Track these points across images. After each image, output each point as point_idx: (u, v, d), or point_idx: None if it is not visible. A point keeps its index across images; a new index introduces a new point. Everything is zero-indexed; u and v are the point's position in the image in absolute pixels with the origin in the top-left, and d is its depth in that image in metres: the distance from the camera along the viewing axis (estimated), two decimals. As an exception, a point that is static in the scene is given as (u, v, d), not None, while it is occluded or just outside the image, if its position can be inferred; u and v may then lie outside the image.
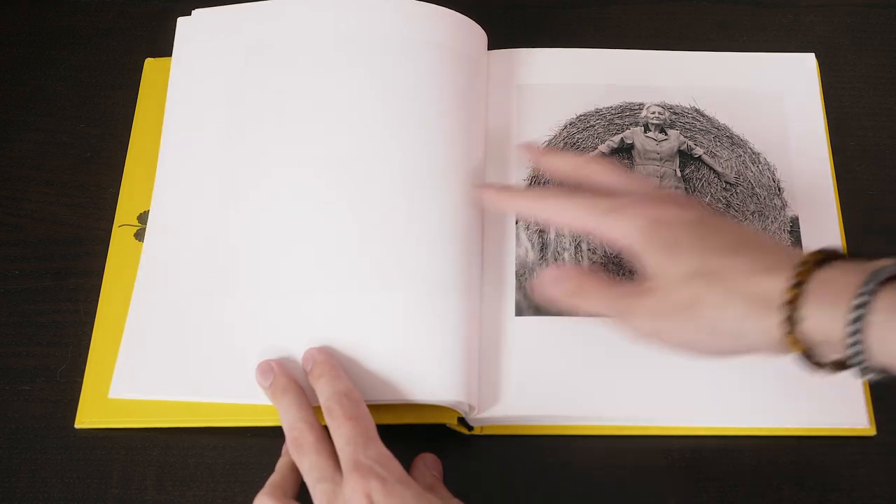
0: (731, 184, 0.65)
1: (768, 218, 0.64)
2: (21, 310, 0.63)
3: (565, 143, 0.67)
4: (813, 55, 0.69)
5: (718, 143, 0.67)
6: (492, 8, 0.73)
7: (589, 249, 0.63)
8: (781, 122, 0.67)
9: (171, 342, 0.59)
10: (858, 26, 0.73)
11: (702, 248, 0.49)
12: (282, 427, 0.54)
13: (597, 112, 0.68)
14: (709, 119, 0.67)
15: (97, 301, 0.62)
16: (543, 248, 0.63)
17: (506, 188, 0.63)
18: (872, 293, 0.43)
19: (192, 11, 0.69)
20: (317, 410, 0.55)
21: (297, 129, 0.63)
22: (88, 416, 0.59)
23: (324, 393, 0.54)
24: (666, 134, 0.67)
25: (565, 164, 0.58)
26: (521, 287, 0.61)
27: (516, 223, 0.64)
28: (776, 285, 0.46)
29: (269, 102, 0.64)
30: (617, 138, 0.67)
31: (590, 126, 0.67)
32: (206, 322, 0.59)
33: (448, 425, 0.58)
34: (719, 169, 0.66)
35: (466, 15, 0.67)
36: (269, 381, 0.56)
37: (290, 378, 0.56)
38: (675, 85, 0.69)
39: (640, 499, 0.57)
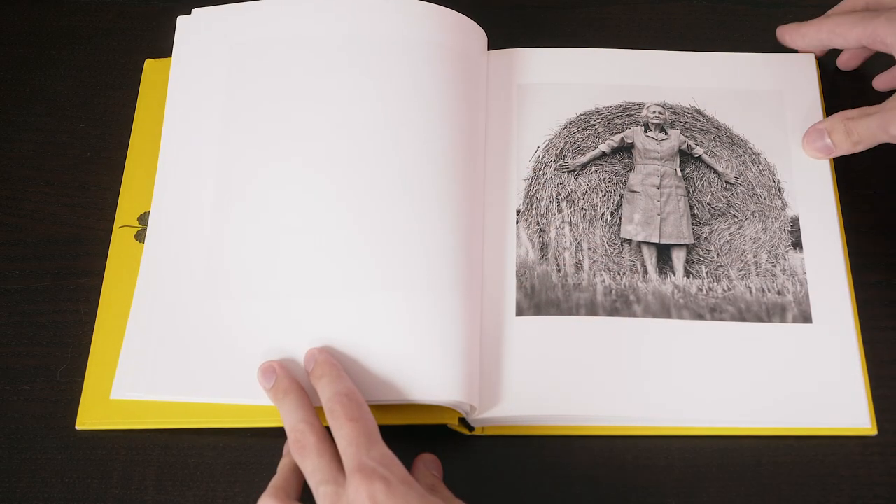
0: (731, 183, 0.65)
1: (768, 218, 0.64)
2: (21, 310, 0.63)
3: (565, 143, 0.67)
4: (813, 55, 0.69)
5: (718, 143, 0.67)
6: (492, 8, 0.73)
7: (589, 249, 0.63)
8: (781, 122, 0.67)
9: (172, 343, 0.59)
10: (858, 26, 0.73)
11: None
12: (282, 427, 0.54)
13: (597, 111, 0.68)
14: (709, 119, 0.68)
15: (97, 301, 0.62)
16: (543, 247, 0.63)
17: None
18: None
19: (192, 10, 0.69)
20: (318, 411, 0.55)
21: (297, 129, 0.63)
22: (89, 418, 0.59)
23: (325, 393, 0.54)
24: (666, 133, 0.67)
25: (815, 32, 0.66)
26: (521, 287, 0.61)
27: (516, 223, 0.64)
28: None
29: (270, 102, 0.64)
30: (617, 137, 0.67)
31: (590, 125, 0.67)
32: (208, 323, 0.59)
33: (449, 426, 0.58)
34: (719, 168, 0.66)
35: (466, 15, 0.67)
36: (271, 383, 0.56)
37: (293, 379, 0.56)
38: (676, 84, 0.69)
39: (640, 499, 0.57)
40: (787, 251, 0.63)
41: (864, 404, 0.58)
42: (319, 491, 0.51)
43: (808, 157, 0.66)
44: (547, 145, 0.67)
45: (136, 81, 0.70)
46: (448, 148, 0.62)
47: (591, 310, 0.61)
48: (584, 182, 0.65)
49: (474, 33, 0.68)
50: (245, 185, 0.63)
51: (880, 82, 0.69)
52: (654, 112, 0.68)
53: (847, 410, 0.58)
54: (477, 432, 0.59)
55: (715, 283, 0.62)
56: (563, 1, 0.75)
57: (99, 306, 0.62)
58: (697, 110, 0.68)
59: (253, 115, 0.64)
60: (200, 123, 0.65)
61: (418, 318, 0.57)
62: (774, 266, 0.62)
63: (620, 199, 0.65)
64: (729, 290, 0.61)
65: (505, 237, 0.63)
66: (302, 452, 0.52)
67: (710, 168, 0.66)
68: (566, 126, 0.67)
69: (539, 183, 0.65)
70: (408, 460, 0.55)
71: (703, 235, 0.64)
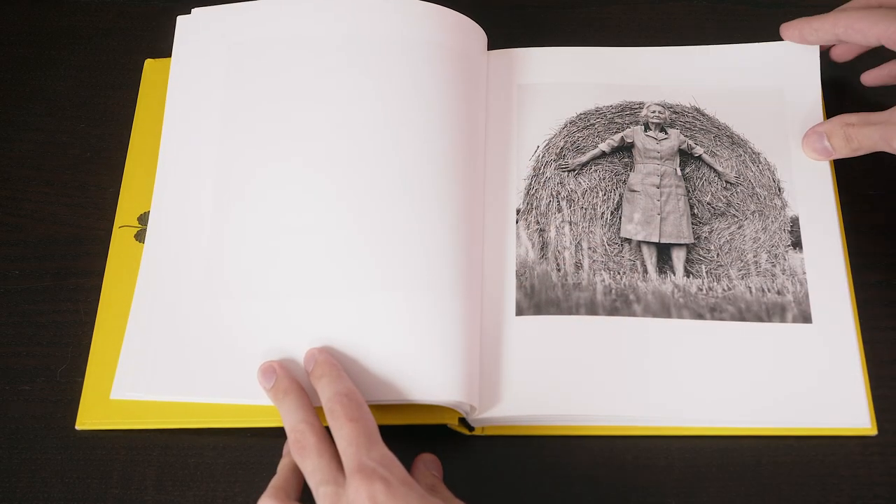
0: (731, 183, 0.65)
1: (768, 218, 0.64)
2: (21, 310, 0.63)
3: (565, 142, 0.67)
4: (817, 47, 0.69)
5: (718, 143, 0.67)
6: (492, 8, 0.73)
7: (589, 248, 0.63)
8: (781, 121, 0.67)
9: (172, 343, 0.59)
10: (858, 26, 0.73)
11: None
12: (281, 427, 0.54)
13: (597, 111, 0.68)
14: (709, 118, 0.67)
15: (97, 301, 0.62)
16: (543, 247, 0.63)
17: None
18: None
19: (192, 10, 0.69)
20: (318, 411, 0.55)
21: (297, 129, 0.63)
22: (89, 418, 0.59)
23: (325, 393, 0.54)
24: (666, 133, 0.67)
25: (831, 27, 0.65)
26: (520, 286, 0.61)
27: (516, 222, 0.64)
28: None
29: (270, 102, 0.64)
30: (617, 137, 0.67)
31: (590, 125, 0.67)
32: (208, 323, 0.59)
33: (449, 426, 0.58)
34: (719, 168, 0.66)
35: (466, 15, 0.67)
36: (271, 383, 0.56)
37: (293, 379, 0.56)
38: (676, 84, 0.69)
39: (640, 499, 0.57)
40: (786, 251, 0.63)
41: (864, 404, 0.58)
42: (319, 491, 0.51)
43: (804, 162, 0.65)
44: (547, 145, 0.67)
45: (136, 81, 0.70)
46: (448, 148, 0.62)
47: (591, 309, 0.61)
48: (584, 181, 0.65)
49: (474, 33, 0.68)
50: (245, 185, 0.63)
51: (869, 78, 0.69)
52: (653, 111, 0.68)
53: (847, 410, 0.58)
54: (477, 432, 0.59)
55: (715, 283, 0.62)
56: (563, 1, 0.75)
57: (99, 306, 0.62)
58: (697, 110, 0.68)
59: (253, 115, 0.64)
60: (200, 123, 0.65)
61: (418, 318, 0.57)
62: (774, 266, 0.62)
63: (620, 199, 0.65)
64: (729, 289, 0.61)
65: (505, 237, 0.63)
66: (302, 452, 0.52)
67: (710, 168, 0.66)
68: (566, 125, 0.67)
69: (539, 182, 0.65)
70: (408, 460, 0.55)
71: (703, 235, 0.64)
